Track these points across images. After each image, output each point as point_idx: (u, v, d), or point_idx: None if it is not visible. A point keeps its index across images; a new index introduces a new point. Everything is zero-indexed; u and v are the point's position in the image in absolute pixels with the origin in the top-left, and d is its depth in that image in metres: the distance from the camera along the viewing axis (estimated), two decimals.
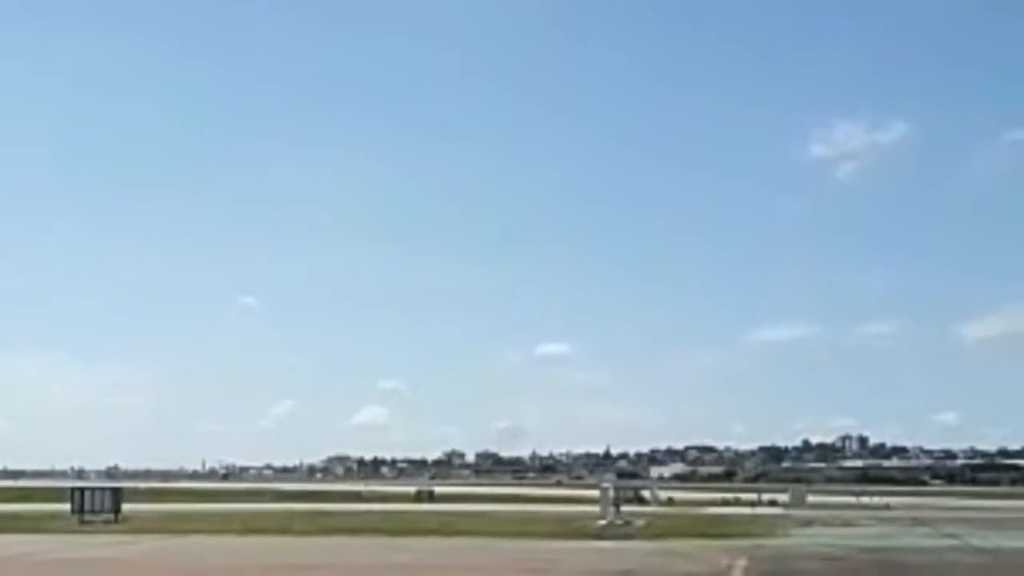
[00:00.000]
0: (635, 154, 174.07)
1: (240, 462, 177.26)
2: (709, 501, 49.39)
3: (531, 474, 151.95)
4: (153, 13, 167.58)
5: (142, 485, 77.37)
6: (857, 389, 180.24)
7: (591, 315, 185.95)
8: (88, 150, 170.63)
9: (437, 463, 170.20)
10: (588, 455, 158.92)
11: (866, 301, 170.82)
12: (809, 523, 30.24)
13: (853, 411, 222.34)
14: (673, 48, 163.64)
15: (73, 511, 29.84)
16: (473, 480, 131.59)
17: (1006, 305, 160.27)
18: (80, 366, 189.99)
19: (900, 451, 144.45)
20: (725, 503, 47.93)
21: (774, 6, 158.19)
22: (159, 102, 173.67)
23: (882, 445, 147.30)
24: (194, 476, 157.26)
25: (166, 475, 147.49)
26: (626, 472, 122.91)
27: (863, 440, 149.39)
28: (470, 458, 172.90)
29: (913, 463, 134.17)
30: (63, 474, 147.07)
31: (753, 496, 51.17)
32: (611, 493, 31.86)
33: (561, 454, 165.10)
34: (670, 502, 48.41)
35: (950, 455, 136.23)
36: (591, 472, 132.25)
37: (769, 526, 28.06)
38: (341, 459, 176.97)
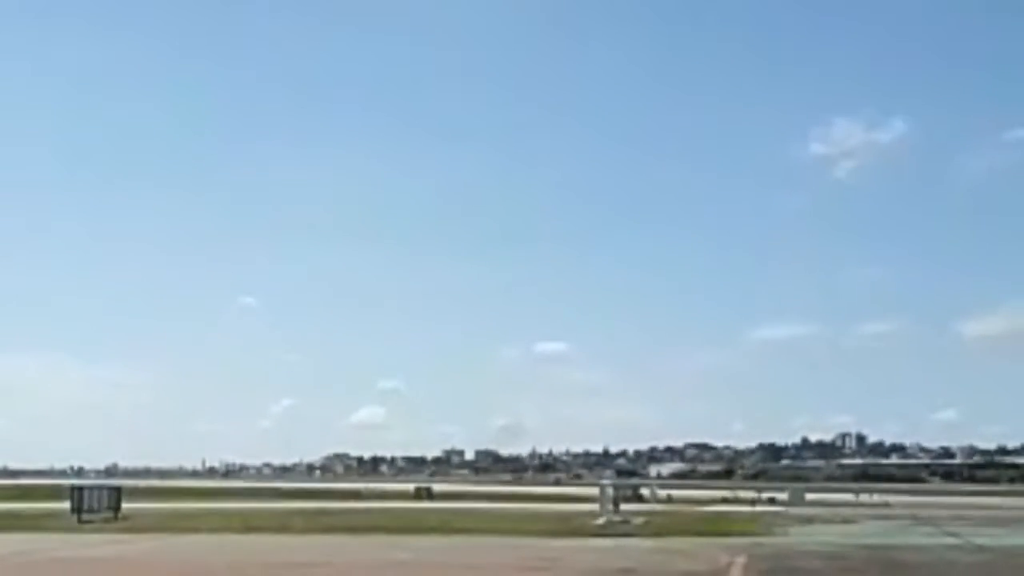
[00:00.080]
0: (635, 153, 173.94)
1: (239, 461, 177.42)
2: (708, 499, 49.43)
3: (530, 472, 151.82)
4: (153, 13, 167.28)
5: (142, 484, 77.34)
6: (856, 387, 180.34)
7: (590, 313, 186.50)
8: (88, 150, 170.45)
9: (436, 461, 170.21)
10: (587, 453, 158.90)
11: (865, 299, 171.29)
12: (808, 521, 30.28)
13: (852, 409, 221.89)
14: (673, 47, 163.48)
15: (72, 510, 29.77)
16: (472, 478, 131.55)
17: (1005, 303, 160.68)
18: (80, 365, 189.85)
19: (899, 449, 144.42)
20: (724, 501, 47.95)
21: (773, 5, 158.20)
22: (159, 102, 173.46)
23: (881, 443, 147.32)
24: (194, 475, 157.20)
25: (165, 474, 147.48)
26: (625, 470, 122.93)
27: (862, 438, 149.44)
28: (469, 456, 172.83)
29: (912, 461, 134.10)
30: (62, 473, 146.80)
31: (752, 494, 51.22)
32: (610, 491, 31.94)
33: (560, 452, 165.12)
34: (669, 500, 48.46)
35: (949, 453, 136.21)
36: (590, 470, 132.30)
37: (768, 524, 28.09)
38: (340, 457, 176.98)
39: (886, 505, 44.81)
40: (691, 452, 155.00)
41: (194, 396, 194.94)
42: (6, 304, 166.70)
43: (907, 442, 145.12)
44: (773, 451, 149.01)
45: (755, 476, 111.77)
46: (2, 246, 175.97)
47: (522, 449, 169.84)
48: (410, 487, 66.85)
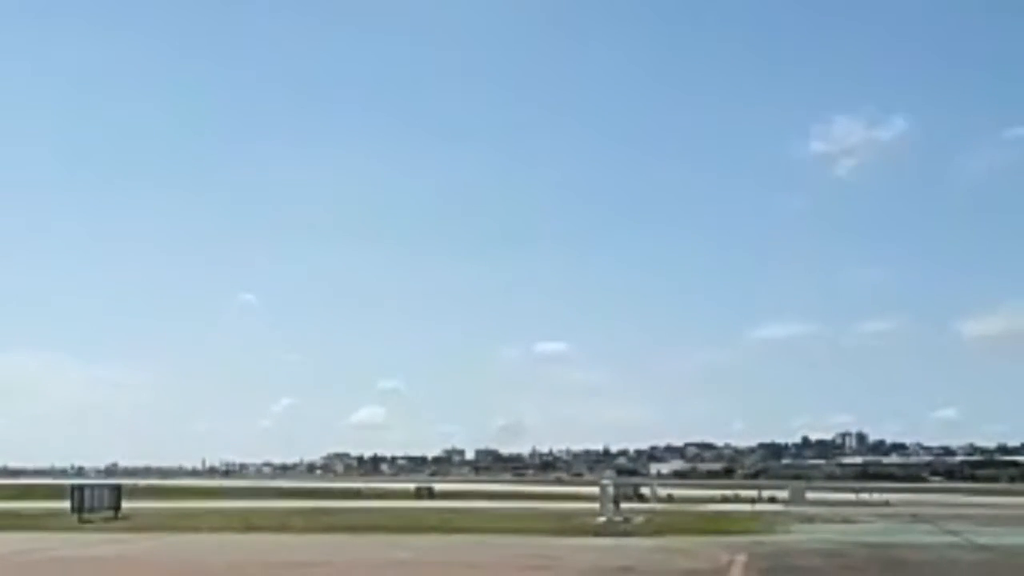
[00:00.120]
0: (635, 153, 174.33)
1: (240, 460, 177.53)
2: (709, 498, 49.39)
3: (531, 471, 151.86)
4: (153, 13, 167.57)
5: (142, 483, 77.32)
6: (856, 386, 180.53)
7: (590, 313, 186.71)
8: (88, 150, 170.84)
9: (437, 460, 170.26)
10: (587, 452, 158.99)
11: (865, 298, 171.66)
12: (809, 519, 30.26)
13: (852, 408, 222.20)
14: (673, 47, 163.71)
15: (73, 509, 29.78)
16: (473, 477, 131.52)
17: (1005, 302, 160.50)
18: (80, 365, 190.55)
19: (899, 448, 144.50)
20: (725, 500, 47.90)
21: (773, 5, 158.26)
22: (159, 102, 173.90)
23: (881, 442, 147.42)
24: (194, 474, 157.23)
25: (166, 473, 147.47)
26: (625, 469, 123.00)
27: (862, 437, 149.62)
28: (469, 456, 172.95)
29: (912, 460, 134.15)
30: (63, 472, 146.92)
31: (753, 493, 51.13)
32: (610, 490, 31.88)
33: (561, 451, 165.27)
34: (669, 499, 48.39)
35: (949, 452, 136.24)
36: (591, 469, 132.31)
37: (768, 523, 28.07)
38: (340, 456, 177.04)
39: (886, 504, 44.77)
40: (692, 451, 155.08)
41: (194, 396, 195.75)
42: (6, 304, 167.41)
43: (907, 441, 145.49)
44: (773, 450, 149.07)
45: (755, 475, 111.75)
46: (2, 246, 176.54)
47: (522, 448, 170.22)
48: (411, 487, 66.84)
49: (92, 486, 35.28)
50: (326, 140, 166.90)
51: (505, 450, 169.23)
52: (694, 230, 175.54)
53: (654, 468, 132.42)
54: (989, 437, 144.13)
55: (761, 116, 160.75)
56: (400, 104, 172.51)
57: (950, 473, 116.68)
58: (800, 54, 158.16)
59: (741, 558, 16.94)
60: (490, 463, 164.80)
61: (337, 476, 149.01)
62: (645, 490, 52.72)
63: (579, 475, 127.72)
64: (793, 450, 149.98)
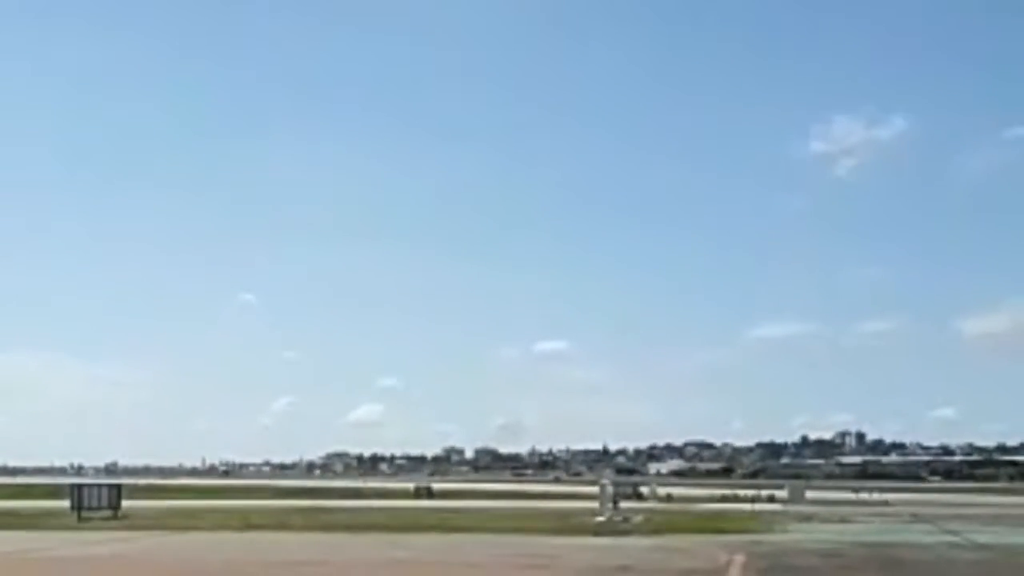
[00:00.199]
0: (635, 153, 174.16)
1: (239, 459, 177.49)
2: (707, 497, 49.36)
3: (530, 470, 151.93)
4: (153, 13, 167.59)
5: (141, 482, 77.33)
6: (855, 385, 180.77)
7: (590, 312, 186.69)
8: (88, 150, 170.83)
9: (436, 459, 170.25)
10: (587, 451, 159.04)
11: (865, 297, 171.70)
12: (808, 519, 30.26)
13: (851, 407, 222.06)
14: (672, 47, 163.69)
15: (72, 508, 29.78)
16: (472, 476, 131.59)
17: (1005, 301, 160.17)
18: (80, 364, 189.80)
19: (898, 447, 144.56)
20: (723, 499, 47.90)
21: (773, 5, 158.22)
22: (159, 102, 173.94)
23: (880, 441, 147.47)
24: (193, 473, 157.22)
25: (165, 472, 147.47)
26: (624, 468, 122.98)
27: (861, 436, 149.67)
28: (469, 454, 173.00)
29: (911, 459, 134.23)
30: (62, 471, 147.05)
31: (751, 492, 51.15)
32: (609, 489, 31.87)
33: (560, 450, 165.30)
34: (668, 498, 48.38)
35: (948, 451, 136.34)
36: (590, 468, 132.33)
37: (767, 522, 28.07)
38: (340, 456, 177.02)
39: (885, 503, 44.80)
40: (691, 450, 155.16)
41: (194, 394, 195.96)
42: (6, 304, 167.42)
43: (907, 440, 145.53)
44: (773, 449, 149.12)
45: (755, 474, 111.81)
46: (2, 246, 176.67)
47: (522, 448, 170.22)
48: (410, 486, 66.83)
49: (91, 485, 35.29)
50: (326, 140, 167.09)
51: (504, 449, 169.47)
52: (694, 230, 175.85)
53: (653, 467, 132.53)
54: (988, 436, 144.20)
55: (761, 116, 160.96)
56: (400, 104, 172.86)
57: (949, 472, 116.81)
58: (800, 54, 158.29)
59: (740, 558, 16.94)
60: (489, 462, 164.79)
61: (336, 475, 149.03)
62: (644, 489, 52.70)
63: (578, 474, 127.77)
64: (792, 449, 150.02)
